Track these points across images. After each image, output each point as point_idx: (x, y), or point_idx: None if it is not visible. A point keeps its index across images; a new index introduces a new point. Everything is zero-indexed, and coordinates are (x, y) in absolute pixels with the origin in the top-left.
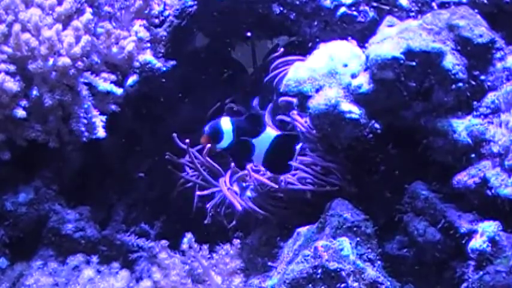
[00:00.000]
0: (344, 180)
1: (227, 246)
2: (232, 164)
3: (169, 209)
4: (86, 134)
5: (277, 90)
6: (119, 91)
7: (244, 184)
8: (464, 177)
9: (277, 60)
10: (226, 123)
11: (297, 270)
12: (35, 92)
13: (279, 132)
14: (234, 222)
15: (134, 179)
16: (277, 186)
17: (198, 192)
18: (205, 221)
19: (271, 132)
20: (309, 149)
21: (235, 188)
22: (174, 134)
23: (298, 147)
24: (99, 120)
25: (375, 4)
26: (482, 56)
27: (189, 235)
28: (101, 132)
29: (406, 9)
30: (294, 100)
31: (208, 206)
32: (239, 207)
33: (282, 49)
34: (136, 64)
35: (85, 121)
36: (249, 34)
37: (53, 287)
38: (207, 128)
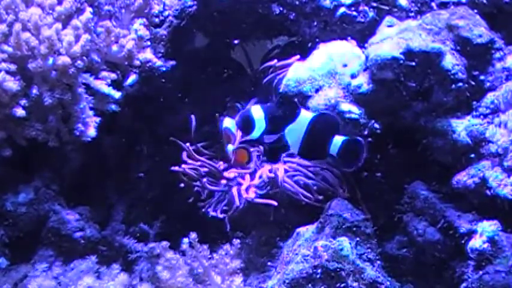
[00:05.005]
0: (342, 182)
1: (227, 246)
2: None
3: (169, 209)
4: (85, 133)
5: (277, 91)
6: (117, 95)
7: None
8: (464, 177)
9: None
10: (257, 111)
11: (296, 270)
12: (34, 91)
13: (314, 114)
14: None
15: (134, 179)
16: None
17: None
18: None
19: (306, 115)
20: None
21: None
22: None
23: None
24: (92, 121)
25: (374, 4)
26: (481, 56)
27: (193, 234)
28: (91, 131)
29: (405, 10)
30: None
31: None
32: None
33: (275, 60)
34: (137, 63)
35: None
36: (236, 42)
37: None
38: (237, 119)
